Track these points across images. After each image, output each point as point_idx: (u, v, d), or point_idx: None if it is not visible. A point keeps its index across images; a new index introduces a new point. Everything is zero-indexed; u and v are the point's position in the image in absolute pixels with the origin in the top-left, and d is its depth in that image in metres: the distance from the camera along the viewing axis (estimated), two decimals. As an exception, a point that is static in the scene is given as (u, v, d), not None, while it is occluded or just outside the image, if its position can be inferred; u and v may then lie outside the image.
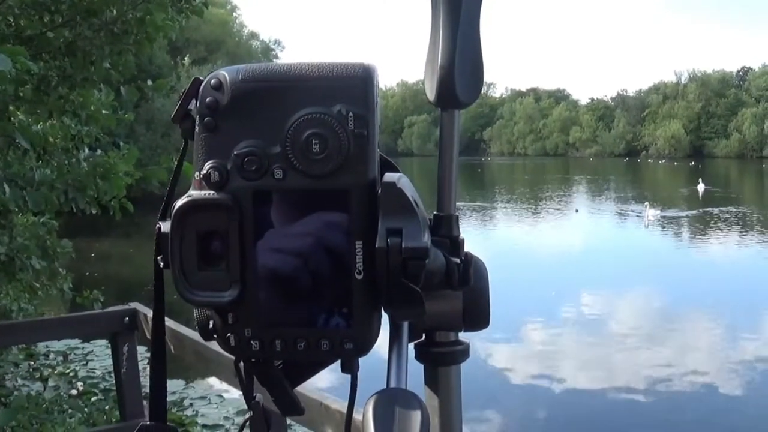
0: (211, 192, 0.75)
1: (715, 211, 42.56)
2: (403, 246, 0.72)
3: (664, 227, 35.23)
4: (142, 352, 7.66)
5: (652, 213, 37.58)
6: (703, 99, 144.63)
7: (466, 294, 0.86)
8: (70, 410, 9.18)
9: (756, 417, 11.76)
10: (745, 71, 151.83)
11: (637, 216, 38.81)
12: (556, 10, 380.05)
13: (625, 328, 16.80)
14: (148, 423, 0.88)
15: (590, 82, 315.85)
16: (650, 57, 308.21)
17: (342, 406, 3.54)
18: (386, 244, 0.73)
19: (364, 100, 0.76)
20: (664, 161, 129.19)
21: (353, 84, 0.76)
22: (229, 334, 0.78)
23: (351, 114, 0.75)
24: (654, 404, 12.31)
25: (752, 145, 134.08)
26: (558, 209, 47.25)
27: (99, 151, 6.55)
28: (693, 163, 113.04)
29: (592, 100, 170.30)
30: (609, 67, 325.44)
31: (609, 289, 20.80)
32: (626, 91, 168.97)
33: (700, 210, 43.78)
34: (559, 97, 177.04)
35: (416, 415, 0.72)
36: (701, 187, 57.88)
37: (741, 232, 34.34)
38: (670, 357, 14.68)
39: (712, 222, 37.65)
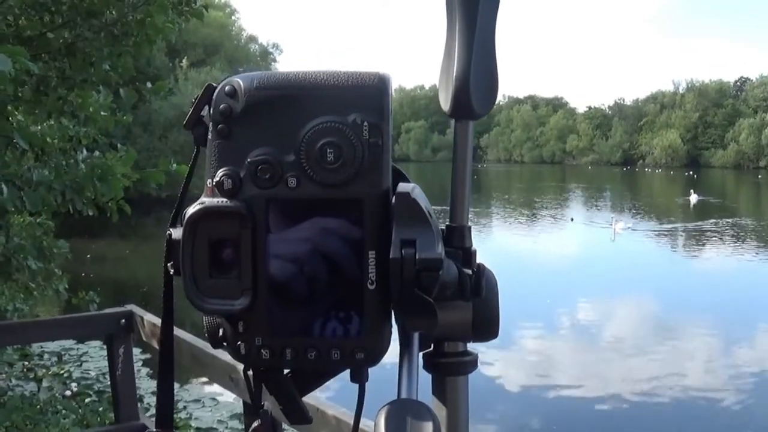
0: (224, 199, 0.75)
1: (703, 222, 42.52)
2: (417, 257, 0.72)
3: (630, 241, 34.70)
4: (137, 354, 7.64)
5: (619, 227, 37.19)
6: (700, 109, 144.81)
7: (476, 305, 0.86)
8: (64, 411, 9.18)
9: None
10: (743, 81, 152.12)
11: (629, 228, 38.38)
12: (554, 19, 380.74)
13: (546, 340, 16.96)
14: (155, 430, 0.87)
15: (588, 91, 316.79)
16: (648, 66, 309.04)
17: (338, 412, 3.53)
18: (400, 254, 0.72)
19: (379, 109, 0.76)
20: (660, 170, 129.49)
21: (368, 93, 0.76)
22: (239, 343, 0.77)
23: (366, 123, 0.75)
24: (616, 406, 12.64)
25: (749, 155, 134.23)
26: (553, 218, 47.25)
27: (97, 153, 6.54)
28: (690, 172, 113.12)
29: (590, 108, 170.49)
30: (607, 76, 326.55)
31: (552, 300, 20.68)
32: (624, 100, 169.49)
33: (686, 222, 43.65)
34: (556, 105, 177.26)
35: (428, 427, 0.71)
36: (693, 198, 57.88)
37: (717, 244, 34.10)
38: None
39: (688, 235, 37.56)
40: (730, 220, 43.83)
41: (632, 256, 30.84)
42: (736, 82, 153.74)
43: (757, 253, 31.69)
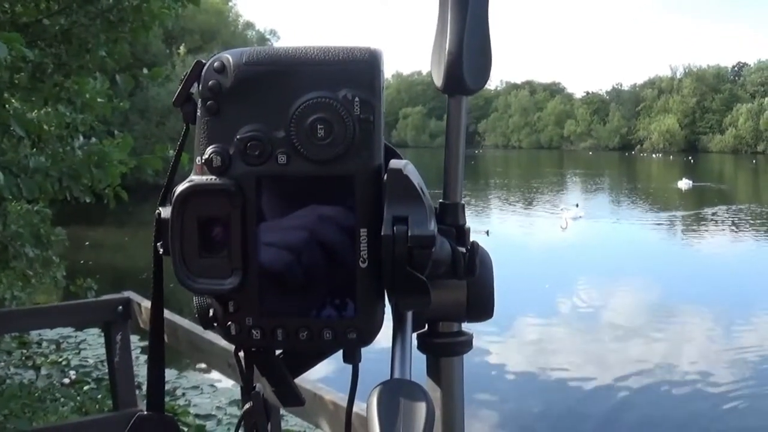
0: (213, 177, 0.74)
1: (680, 212, 41.99)
2: (409, 234, 0.71)
3: (579, 232, 33.24)
4: (135, 341, 7.64)
5: (569, 215, 35.81)
6: (698, 94, 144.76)
7: (470, 284, 0.85)
8: (62, 399, 9.19)
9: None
10: (741, 66, 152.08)
11: (579, 217, 36.78)
12: (551, 4, 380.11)
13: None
14: (146, 413, 0.86)
15: (585, 76, 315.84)
16: (646, 51, 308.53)
17: (335, 396, 3.53)
18: (392, 231, 0.71)
19: (370, 85, 0.75)
20: (659, 155, 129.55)
21: (359, 68, 0.75)
22: (229, 323, 0.76)
23: (357, 99, 0.74)
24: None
25: (747, 140, 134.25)
26: (552, 204, 46.97)
27: (93, 139, 6.53)
28: (689, 157, 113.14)
29: (587, 93, 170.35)
30: (604, 61, 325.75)
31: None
32: (621, 85, 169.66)
33: (663, 211, 42.90)
34: (554, 90, 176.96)
35: (421, 407, 0.70)
36: (685, 184, 57.27)
37: (673, 235, 33.34)
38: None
39: (643, 224, 36.77)
40: (719, 208, 43.01)
41: (575, 245, 29.93)
42: (733, 67, 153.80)
43: (756, 241, 31.55)
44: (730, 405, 12.15)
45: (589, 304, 19.37)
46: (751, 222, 37.45)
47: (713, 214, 40.46)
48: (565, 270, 23.43)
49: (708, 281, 22.34)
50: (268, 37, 75.57)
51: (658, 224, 36.88)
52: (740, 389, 12.84)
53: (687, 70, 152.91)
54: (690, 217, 39.46)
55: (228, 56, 0.76)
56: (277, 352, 0.81)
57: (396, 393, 0.72)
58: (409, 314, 0.81)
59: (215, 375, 10.13)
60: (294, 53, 0.75)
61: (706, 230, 34.96)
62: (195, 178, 0.74)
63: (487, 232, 27.10)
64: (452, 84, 0.84)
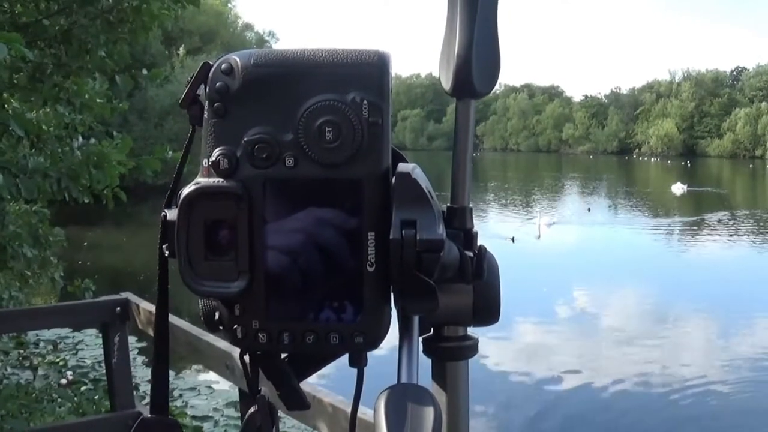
0: (220, 179, 0.73)
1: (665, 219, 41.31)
2: (417, 238, 0.70)
3: (554, 239, 32.55)
4: (133, 343, 7.63)
5: (543, 221, 34.71)
6: (696, 98, 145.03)
7: (477, 288, 0.85)
8: (59, 399, 9.17)
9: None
10: (739, 71, 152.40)
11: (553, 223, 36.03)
12: (550, 7, 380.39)
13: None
14: (149, 416, 0.85)
15: (584, 80, 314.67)
16: (644, 55, 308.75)
17: (334, 399, 3.52)
18: (400, 235, 0.71)
19: (379, 88, 0.74)
20: (657, 159, 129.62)
21: (368, 71, 0.74)
22: (235, 326, 0.75)
23: (365, 102, 0.73)
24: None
25: (745, 145, 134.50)
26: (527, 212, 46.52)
27: (92, 140, 6.53)
28: (687, 162, 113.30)
29: (586, 97, 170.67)
30: (603, 65, 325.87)
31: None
32: (620, 89, 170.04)
33: (661, 217, 42.28)
34: (552, 93, 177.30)
35: (429, 412, 0.70)
36: (679, 189, 56.66)
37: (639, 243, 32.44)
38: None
39: (614, 230, 36.08)
40: (713, 214, 42.36)
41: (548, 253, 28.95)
42: (732, 71, 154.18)
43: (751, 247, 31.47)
44: (724, 409, 12.21)
45: (561, 310, 19.46)
46: (746, 227, 37.23)
47: (709, 219, 40.13)
48: (538, 277, 22.98)
49: (699, 285, 22.39)
50: (267, 38, 75.95)
51: (646, 230, 36.48)
52: (735, 393, 12.90)
53: (686, 75, 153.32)
54: (681, 224, 39.12)
55: (236, 58, 0.75)
56: (283, 355, 0.81)
57: (403, 397, 0.71)
58: (416, 318, 0.80)
59: (213, 376, 10.11)
60: (302, 55, 0.75)
61: (697, 236, 34.67)
62: (202, 180, 0.74)
63: (513, 239, 26.70)
64: (461, 87, 0.84)
